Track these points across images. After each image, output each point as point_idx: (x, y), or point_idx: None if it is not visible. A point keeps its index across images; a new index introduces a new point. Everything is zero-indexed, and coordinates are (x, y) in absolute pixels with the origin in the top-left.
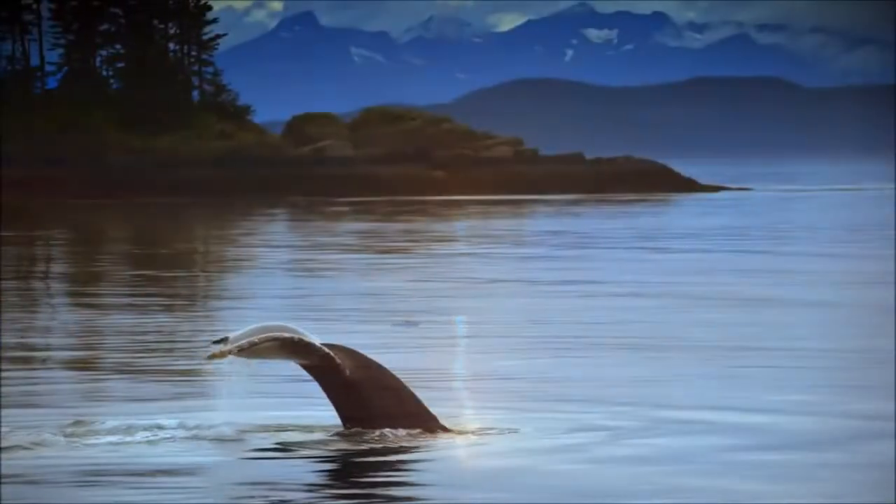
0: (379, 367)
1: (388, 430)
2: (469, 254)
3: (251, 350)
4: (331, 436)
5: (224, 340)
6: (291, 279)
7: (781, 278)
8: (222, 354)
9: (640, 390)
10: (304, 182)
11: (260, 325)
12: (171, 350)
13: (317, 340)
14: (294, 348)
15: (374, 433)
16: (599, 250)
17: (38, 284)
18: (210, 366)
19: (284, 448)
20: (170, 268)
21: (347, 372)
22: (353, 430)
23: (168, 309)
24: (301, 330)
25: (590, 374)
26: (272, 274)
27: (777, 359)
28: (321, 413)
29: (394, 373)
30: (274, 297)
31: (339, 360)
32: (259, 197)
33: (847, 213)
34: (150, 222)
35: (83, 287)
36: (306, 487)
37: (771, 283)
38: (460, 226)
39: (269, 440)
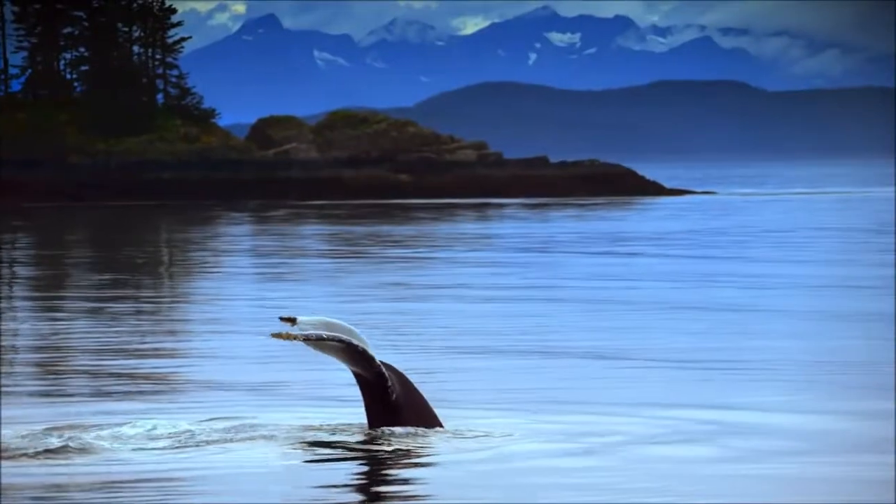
0: (420, 395)
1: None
2: (412, 258)
3: (316, 343)
4: (360, 436)
5: (292, 321)
6: (249, 283)
7: (715, 282)
8: (287, 336)
9: (528, 395)
10: (269, 185)
11: (331, 320)
12: (136, 352)
13: (376, 356)
14: (355, 357)
15: (399, 434)
16: (549, 255)
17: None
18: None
19: (318, 448)
20: (132, 272)
21: (394, 396)
22: (379, 431)
23: (131, 314)
24: (366, 340)
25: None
26: (235, 278)
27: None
28: (349, 411)
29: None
30: (232, 300)
31: (390, 382)
32: (224, 200)
33: (810, 217)
34: (114, 225)
35: (45, 291)
36: (342, 488)
37: (702, 288)
38: (419, 229)
39: (302, 441)
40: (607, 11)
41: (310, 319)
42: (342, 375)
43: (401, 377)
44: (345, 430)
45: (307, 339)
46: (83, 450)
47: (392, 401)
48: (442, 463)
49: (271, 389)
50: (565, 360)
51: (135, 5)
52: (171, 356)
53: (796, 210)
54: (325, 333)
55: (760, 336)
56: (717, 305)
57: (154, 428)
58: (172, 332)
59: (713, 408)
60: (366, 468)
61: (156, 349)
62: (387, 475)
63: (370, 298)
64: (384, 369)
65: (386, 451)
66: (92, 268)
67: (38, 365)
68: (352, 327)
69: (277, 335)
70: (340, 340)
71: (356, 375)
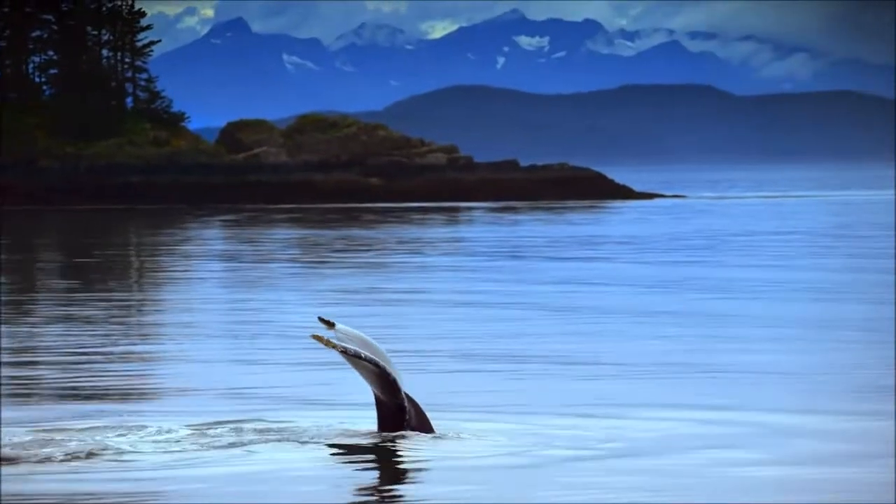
0: (431, 425)
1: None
2: (376, 263)
3: (351, 358)
4: (371, 438)
5: (332, 325)
6: (219, 288)
7: (681, 288)
8: (327, 343)
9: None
10: (239, 189)
11: (371, 340)
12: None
13: (403, 387)
14: (384, 384)
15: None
16: (520, 260)
17: None
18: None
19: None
20: (100, 277)
21: (408, 427)
22: (388, 434)
23: (102, 320)
24: (398, 371)
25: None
26: (205, 282)
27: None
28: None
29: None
30: (197, 304)
31: (408, 416)
32: (194, 204)
33: (779, 221)
34: (83, 230)
35: (14, 297)
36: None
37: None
38: (385, 234)
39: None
40: (576, 15)
41: (347, 330)
42: (319, 377)
43: (420, 411)
44: (353, 434)
45: (344, 353)
46: (96, 455)
47: (404, 427)
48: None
49: (256, 392)
50: (536, 366)
51: (104, 9)
52: (143, 360)
53: (765, 214)
54: (363, 353)
55: (732, 341)
56: (692, 311)
57: (162, 431)
58: (144, 336)
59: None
60: (392, 473)
61: (127, 353)
62: (410, 479)
63: (342, 303)
64: (406, 402)
65: (409, 456)
66: (62, 273)
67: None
68: (388, 355)
69: (318, 338)
70: (376, 365)
71: (377, 398)
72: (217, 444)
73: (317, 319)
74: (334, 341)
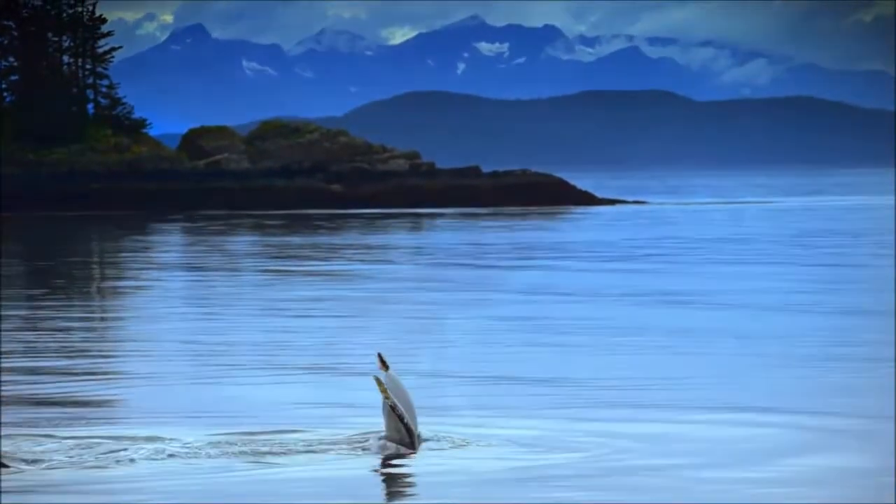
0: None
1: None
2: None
3: (391, 410)
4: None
5: (386, 367)
6: (179, 299)
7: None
8: (382, 391)
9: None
10: (201, 195)
11: (413, 404)
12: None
13: (417, 434)
14: (405, 441)
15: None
16: (482, 269)
17: None
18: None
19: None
20: (62, 283)
21: (409, 453)
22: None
23: (60, 330)
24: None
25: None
26: (166, 292)
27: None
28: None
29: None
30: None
31: (414, 452)
32: (155, 210)
33: (737, 228)
34: (44, 237)
35: None
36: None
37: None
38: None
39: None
40: (536, 21)
41: (395, 379)
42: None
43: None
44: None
45: (392, 408)
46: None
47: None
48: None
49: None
50: (505, 378)
51: (65, 15)
52: (105, 376)
53: (725, 220)
54: (406, 418)
55: (691, 354)
56: (650, 322)
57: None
58: (104, 353)
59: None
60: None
61: (88, 370)
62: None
63: (304, 314)
64: (415, 447)
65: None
66: (22, 281)
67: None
68: (413, 404)
69: (378, 383)
70: (409, 431)
71: (390, 429)
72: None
73: (376, 356)
74: (385, 392)
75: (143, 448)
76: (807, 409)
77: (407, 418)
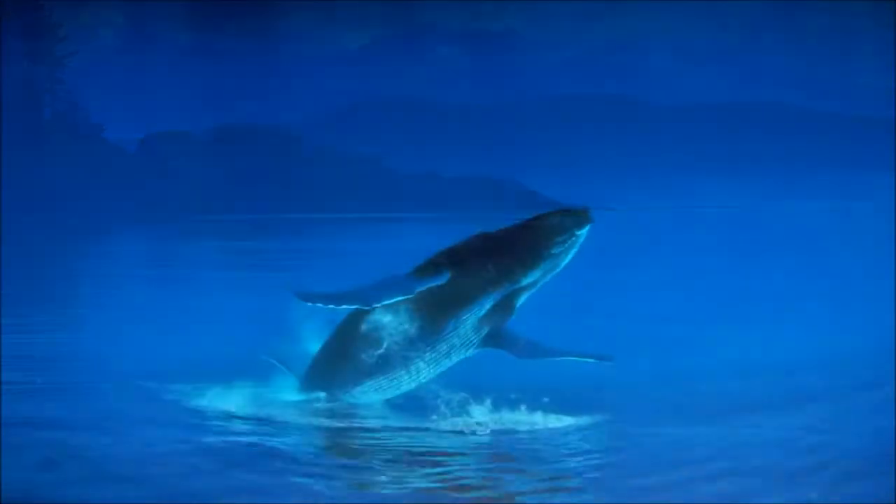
0: None
1: None
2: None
3: None
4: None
5: None
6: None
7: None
8: None
9: None
10: (161, 200)
11: None
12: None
13: None
14: None
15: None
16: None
17: None
18: None
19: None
20: (27, 297)
21: None
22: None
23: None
24: None
25: None
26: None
27: None
28: None
29: None
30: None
31: None
32: (115, 215)
33: (703, 236)
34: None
35: None
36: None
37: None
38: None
39: None
40: (495, 25)
41: None
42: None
43: None
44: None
45: None
46: None
47: None
48: None
49: None
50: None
51: (21, 20)
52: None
53: (690, 226)
54: None
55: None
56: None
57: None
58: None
59: None
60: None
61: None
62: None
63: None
64: None
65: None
66: None
67: None
68: None
69: None
70: None
71: None
72: None
73: None
74: None
75: None
76: None
77: None
